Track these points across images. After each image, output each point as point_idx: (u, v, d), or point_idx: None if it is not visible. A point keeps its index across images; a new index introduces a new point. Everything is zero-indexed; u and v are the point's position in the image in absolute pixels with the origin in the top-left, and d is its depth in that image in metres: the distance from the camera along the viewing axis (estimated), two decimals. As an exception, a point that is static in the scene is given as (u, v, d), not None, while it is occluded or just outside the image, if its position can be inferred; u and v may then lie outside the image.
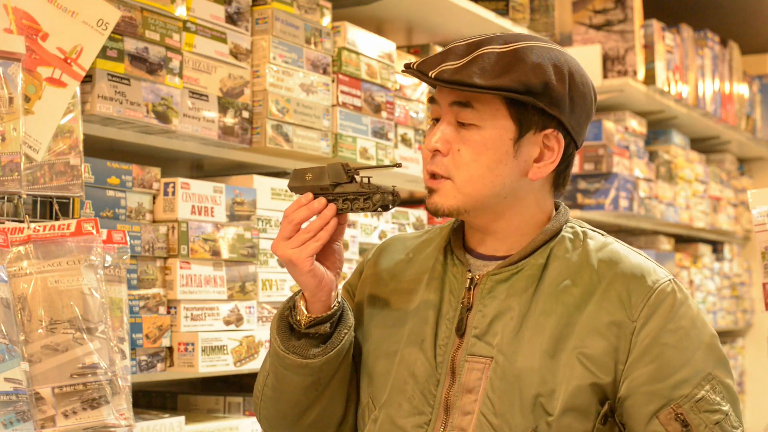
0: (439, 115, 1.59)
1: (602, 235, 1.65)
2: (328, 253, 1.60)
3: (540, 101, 1.53)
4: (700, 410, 1.49)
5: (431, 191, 1.58)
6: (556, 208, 1.65)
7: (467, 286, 1.60)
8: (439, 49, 2.99)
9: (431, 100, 1.61)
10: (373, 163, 2.64)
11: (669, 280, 1.57)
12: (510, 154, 1.55)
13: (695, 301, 1.58)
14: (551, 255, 1.59)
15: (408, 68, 1.59)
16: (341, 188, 1.58)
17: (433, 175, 1.58)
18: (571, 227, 1.64)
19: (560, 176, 1.63)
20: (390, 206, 1.57)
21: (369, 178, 1.58)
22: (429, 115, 2.92)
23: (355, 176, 1.58)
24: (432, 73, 1.53)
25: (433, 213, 1.59)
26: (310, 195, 1.58)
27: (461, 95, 1.55)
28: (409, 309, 1.64)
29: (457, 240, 1.66)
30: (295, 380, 1.62)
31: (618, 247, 1.62)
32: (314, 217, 1.57)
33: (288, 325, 1.62)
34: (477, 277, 1.60)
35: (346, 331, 1.62)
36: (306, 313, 1.60)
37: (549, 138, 1.57)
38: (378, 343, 1.65)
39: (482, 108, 1.54)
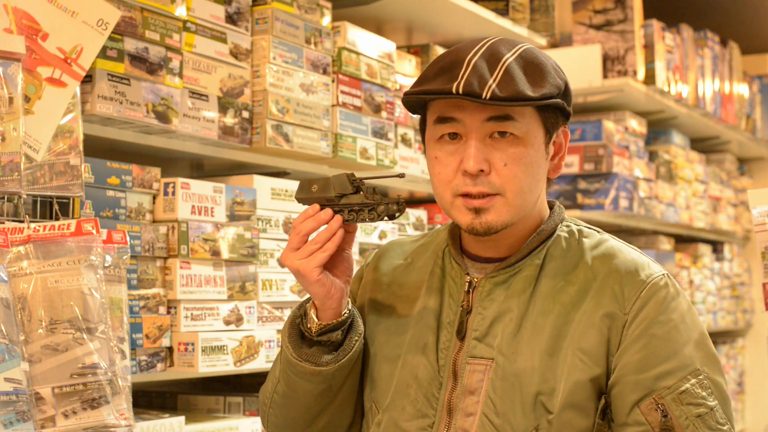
0: (458, 131, 1.54)
1: (598, 232, 1.66)
2: (337, 262, 1.61)
3: (564, 101, 1.57)
4: (683, 402, 1.49)
5: (479, 211, 1.54)
6: (551, 207, 1.66)
7: (466, 289, 1.61)
8: (439, 49, 2.99)
9: (443, 119, 1.55)
10: (373, 163, 2.64)
11: (663, 274, 1.58)
12: (545, 158, 1.58)
13: (688, 298, 1.59)
14: (547, 255, 1.60)
15: (441, 93, 1.51)
16: (347, 199, 1.59)
17: (480, 194, 1.53)
18: (567, 226, 1.65)
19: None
20: (395, 216, 1.57)
21: (374, 188, 1.59)
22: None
23: (361, 186, 1.59)
24: (486, 94, 1.48)
25: (483, 233, 1.55)
26: (316, 206, 1.60)
27: (500, 110, 1.52)
28: (411, 315, 1.65)
29: (455, 243, 1.66)
30: (307, 387, 1.63)
31: (613, 243, 1.63)
32: (321, 228, 1.58)
33: (299, 332, 1.63)
34: (475, 280, 1.61)
35: (357, 338, 1.63)
36: (316, 320, 1.61)
37: (559, 134, 1.61)
38: (380, 348, 1.66)
39: (521, 119, 1.53)
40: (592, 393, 1.52)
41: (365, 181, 1.60)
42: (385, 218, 1.57)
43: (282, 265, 2.39)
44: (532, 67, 1.54)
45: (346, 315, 1.62)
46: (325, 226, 1.58)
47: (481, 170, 1.52)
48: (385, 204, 1.57)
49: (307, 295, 1.63)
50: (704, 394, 1.50)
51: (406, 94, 1.56)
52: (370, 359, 1.67)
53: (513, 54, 1.54)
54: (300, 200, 1.63)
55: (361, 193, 1.58)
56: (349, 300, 1.65)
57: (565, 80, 1.57)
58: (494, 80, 1.50)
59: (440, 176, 1.56)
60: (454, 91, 1.49)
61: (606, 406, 1.53)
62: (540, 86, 1.52)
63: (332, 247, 1.57)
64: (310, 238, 1.59)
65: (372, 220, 1.58)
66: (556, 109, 1.56)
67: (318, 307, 1.61)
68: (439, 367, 1.58)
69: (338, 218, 1.58)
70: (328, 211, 1.58)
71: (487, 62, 1.52)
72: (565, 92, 1.57)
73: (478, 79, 1.49)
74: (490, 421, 1.53)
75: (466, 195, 1.54)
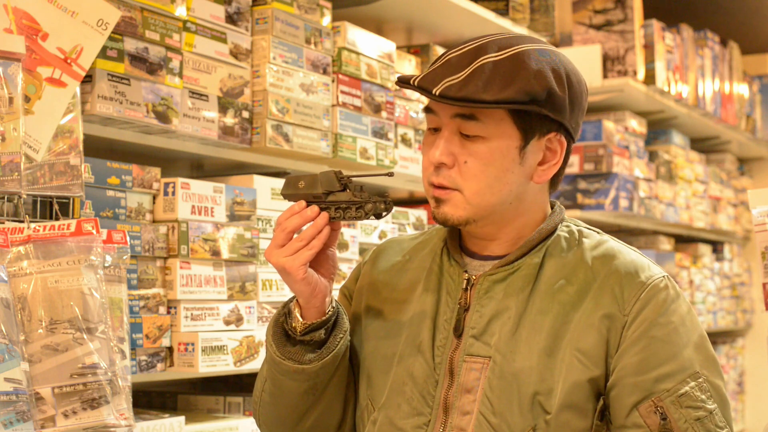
0: (438, 125, 1.58)
1: (598, 233, 1.65)
2: (321, 260, 1.60)
3: (544, 108, 1.53)
4: (682, 405, 1.49)
5: (439, 201, 1.57)
6: (551, 207, 1.66)
7: (464, 286, 1.60)
8: (439, 49, 2.99)
9: (427, 109, 1.59)
10: (373, 163, 2.64)
11: (663, 276, 1.58)
12: (516, 161, 1.56)
13: (687, 300, 1.60)
14: (547, 254, 1.60)
15: (405, 83, 1.57)
16: (334, 196, 1.57)
17: (440, 185, 1.57)
18: (567, 226, 1.64)
19: (558, 175, 1.64)
20: (382, 215, 1.57)
21: (362, 186, 1.59)
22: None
23: (348, 184, 1.58)
24: (436, 91, 1.51)
25: (442, 223, 1.58)
26: (303, 203, 1.58)
27: (465, 109, 1.53)
28: (407, 313, 1.64)
29: (454, 240, 1.66)
30: (292, 386, 1.62)
31: (613, 244, 1.62)
32: (307, 225, 1.57)
33: (283, 331, 1.62)
34: (474, 277, 1.60)
35: (341, 335, 1.62)
36: (301, 319, 1.60)
37: (552, 141, 1.58)
38: (376, 347, 1.66)
39: (487, 120, 1.53)
40: (591, 394, 1.52)
41: (353, 179, 1.59)
42: (372, 217, 1.56)
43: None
44: (510, 69, 1.52)
45: (330, 313, 1.60)
46: (311, 223, 1.57)
47: (443, 163, 1.55)
48: (373, 202, 1.56)
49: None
50: (703, 397, 1.50)
51: (399, 78, 1.61)
52: (366, 357, 1.66)
53: (498, 55, 1.53)
54: (286, 196, 1.61)
55: (348, 190, 1.57)
56: (334, 297, 1.64)
57: (548, 87, 1.52)
58: (456, 78, 1.51)
59: (423, 165, 1.60)
60: (411, 81, 1.55)
61: (604, 407, 1.53)
62: (503, 90, 1.50)
63: (318, 244, 1.56)
64: (295, 236, 1.57)
65: (359, 218, 1.57)
66: (538, 115, 1.54)
67: (302, 305, 1.60)
68: (435, 365, 1.58)
69: (325, 215, 1.57)
70: (315, 208, 1.57)
71: (462, 60, 1.54)
72: (549, 99, 1.53)
73: (439, 75, 1.53)
74: (486, 420, 1.52)
75: (434, 185, 1.57)
